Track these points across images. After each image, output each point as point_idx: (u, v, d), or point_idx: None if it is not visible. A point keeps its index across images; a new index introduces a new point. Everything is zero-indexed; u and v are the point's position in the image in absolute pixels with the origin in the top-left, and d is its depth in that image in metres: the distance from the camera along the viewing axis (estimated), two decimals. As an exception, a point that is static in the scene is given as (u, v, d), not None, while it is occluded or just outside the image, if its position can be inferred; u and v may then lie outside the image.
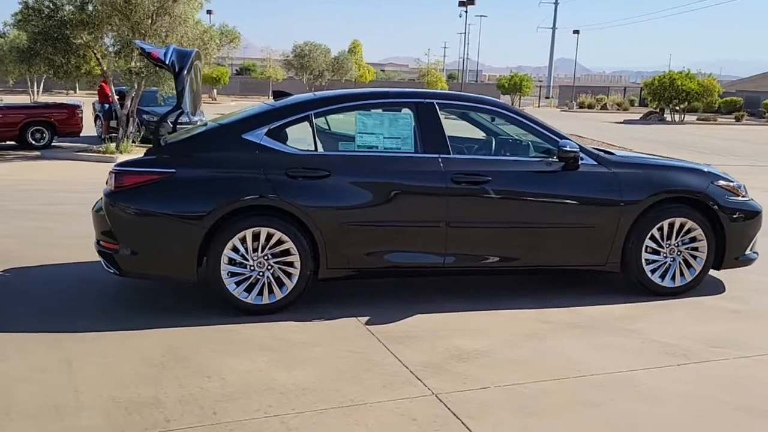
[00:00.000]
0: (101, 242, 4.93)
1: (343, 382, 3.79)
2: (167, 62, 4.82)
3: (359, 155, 4.99)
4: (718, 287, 5.59)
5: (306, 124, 4.99)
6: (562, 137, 5.22)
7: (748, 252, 5.50)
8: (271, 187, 4.75)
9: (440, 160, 4.99)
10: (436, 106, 5.13)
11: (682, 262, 5.35)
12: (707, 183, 5.36)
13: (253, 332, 4.51)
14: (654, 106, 34.71)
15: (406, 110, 5.16)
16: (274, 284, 4.82)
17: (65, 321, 4.62)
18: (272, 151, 4.86)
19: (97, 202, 5.10)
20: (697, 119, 34.53)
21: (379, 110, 5.18)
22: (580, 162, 5.13)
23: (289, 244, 4.77)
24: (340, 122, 5.34)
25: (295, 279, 4.82)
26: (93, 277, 5.47)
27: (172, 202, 4.71)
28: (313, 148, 4.94)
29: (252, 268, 4.77)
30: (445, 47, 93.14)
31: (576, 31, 65.53)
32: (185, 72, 4.87)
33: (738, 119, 34.47)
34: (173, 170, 4.72)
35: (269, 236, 4.76)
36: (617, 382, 3.86)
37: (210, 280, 4.73)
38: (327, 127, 5.37)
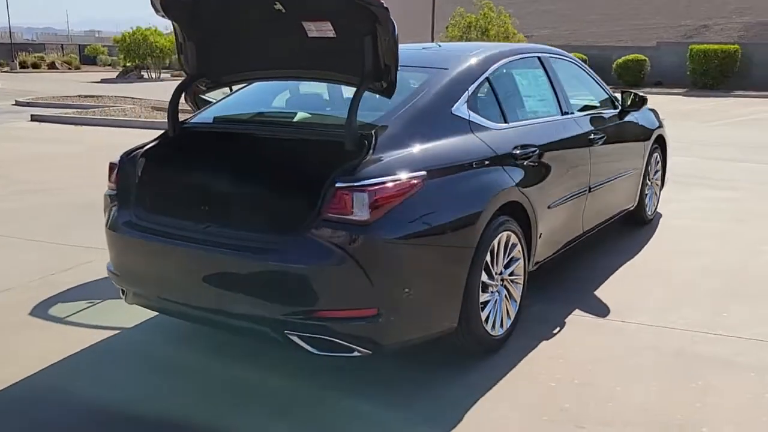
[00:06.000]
0: (318, 312, 2.86)
1: None
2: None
3: (540, 124, 4.10)
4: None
5: (486, 88, 3.80)
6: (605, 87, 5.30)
7: None
8: (508, 175, 3.55)
9: (575, 121, 4.51)
10: (550, 61, 4.55)
11: (654, 189, 6.13)
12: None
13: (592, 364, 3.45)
14: (130, 63, 33.63)
15: (537, 66, 4.40)
16: (509, 303, 3.68)
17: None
18: (482, 127, 3.58)
19: (287, 254, 2.88)
20: (172, 75, 35.00)
21: (522, 68, 4.28)
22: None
23: (517, 247, 3.69)
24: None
25: (521, 289, 3.78)
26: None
27: (436, 218, 3.08)
28: (503, 120, 3.82)
29: (493, 289, 3.53)
30: None
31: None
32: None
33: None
34: (423, 172, 3.05)
35: (507, 241, 3.58)
36: None
37: (466, 318, 3.31)
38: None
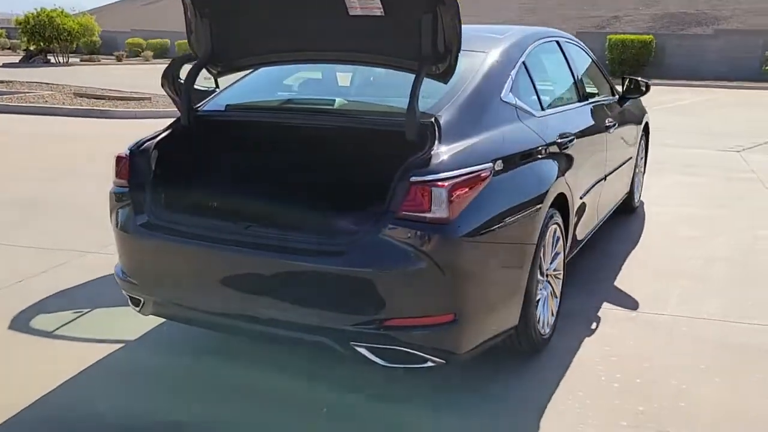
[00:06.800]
0: (391, 320, 2.58)
1: None
2: None
3: (570, 110, 3.93)
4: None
5: (524, 73, 3.58)
6: None
7: None
8: (556, 165, 3.36)
9: (594, 107, 4.37)
10: (566, 45, 4.38)
11: (640, 176, 6.11)
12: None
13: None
14: (35, 47, 31.48)
15: (557, 51, 4.21)
16: (552, 300, 3.50)
17: None
18: (527, 115, 3.37)
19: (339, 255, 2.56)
20: (81, 60, 33.11)
21: (547, 53, 4.07)
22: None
23: (560, 241, 3.51)
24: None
25: (560, 285, 3.61)
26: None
27: (504, 213, 2.83)
28: (539, 107, 3.61)
29: (541, 286, 3.34)
30: None
31: None
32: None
33: (119, 59, 34.51)
34: (490, 164, 2.80)
35: (554, 235, 3.40)
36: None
37: (524, 318, 3.10)
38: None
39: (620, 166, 4.93)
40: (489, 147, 2.90)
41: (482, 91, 3.14)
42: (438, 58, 2.86)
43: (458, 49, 2.82)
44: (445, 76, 2.93)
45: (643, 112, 5.85)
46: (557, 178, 3.31)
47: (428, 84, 3.01)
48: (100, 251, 4.85)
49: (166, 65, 4.55)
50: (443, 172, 2.59)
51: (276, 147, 3.29)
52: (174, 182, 3.09)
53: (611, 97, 4.99)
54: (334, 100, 3.21)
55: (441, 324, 2.60)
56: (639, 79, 5.13)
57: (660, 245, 5.14)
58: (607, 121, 4.43)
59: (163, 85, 4.37)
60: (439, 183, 2.54)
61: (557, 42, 4.24)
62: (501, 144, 2.98)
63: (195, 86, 4.17)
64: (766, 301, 4.07)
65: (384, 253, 2.54)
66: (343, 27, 3.01)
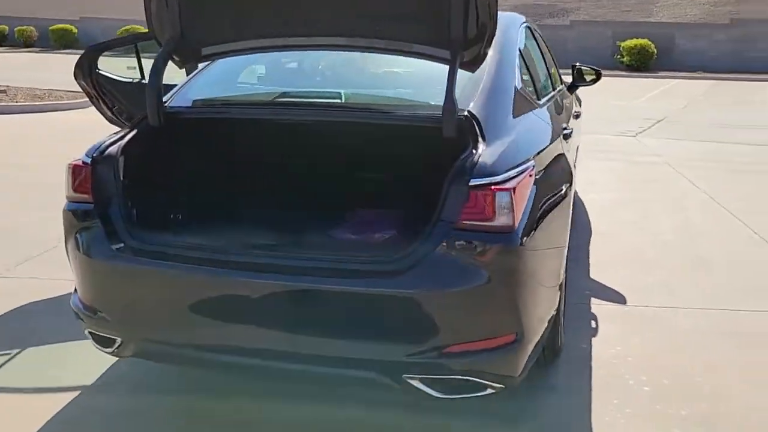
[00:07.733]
0: (450, 347, 2.22)
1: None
2: None
3: (555, 98, 3.71)
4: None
5: (522, 61, 3.29)
6: None
7: None
8: (569, 156, 3.16)
9: (564, 95, 4.21)
10: (535, 32, 4.17)
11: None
12: None
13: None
14: None
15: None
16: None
17: None
18: (537, 105, 3.13)
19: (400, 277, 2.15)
20: None
21: (529, 39, 3.80)
22: None
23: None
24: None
25: (565, 286, 3.41)
26: None
27: (547, 215, 2.55)
28: (537, 96, 3.36)
29: (557, 289, 3.12)
30: None
31: None
32: None
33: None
34: (533, 161, 2.51)
35: (565, 233, 3.19)
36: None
37: (554, 326, 2.85)
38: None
39: (577, 153, 4.84)
40: (526, 142, 2.62)
41: (503, 79, 2.84)
42: (468, 44, 2.52)
43: (492, 34, 2.50)
44: (473, 65, 2.59)
45: (579, 99, 5.81)
46: (573, 171, 3.10)
47: (432, 71, 2.69)
48: (6, 275, 4.10)
49: (81, 53, 3.93)
50: (500, 173, 2.26)
51: (276, 148, 2.81)
52: (153, 195, 2.54)
53: (563, 85, 4.87)
54: (341, 93, 2.78)
55: (503, 346, 2.29)
56: (586, 67, 5.02)
57: (611, 232, 5.12)
58: (575, 109, 4.31)
59: (76, 77, 3.75)
60: (503, 186, 2.21)
61: (529, 27, 4.03)
62: (534, 138, 2.72)
63: (108, 75, 3.65)
64: (743, 286, 4.10)
65: (444, 270, 2.18)
66: (351, 8, 2.59)
